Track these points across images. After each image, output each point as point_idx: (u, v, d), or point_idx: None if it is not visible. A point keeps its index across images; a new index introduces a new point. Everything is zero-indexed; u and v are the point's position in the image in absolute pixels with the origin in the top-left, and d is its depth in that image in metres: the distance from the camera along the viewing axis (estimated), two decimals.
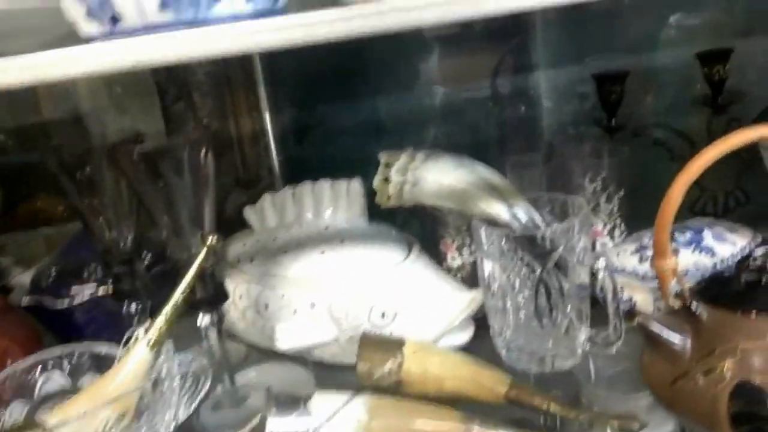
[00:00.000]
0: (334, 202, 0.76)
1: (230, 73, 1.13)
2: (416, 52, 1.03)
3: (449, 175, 0.67)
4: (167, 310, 0.58)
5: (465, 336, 0.72)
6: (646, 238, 0.70)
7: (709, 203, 0.84)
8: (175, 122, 1.13)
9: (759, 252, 0.63)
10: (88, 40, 0.45)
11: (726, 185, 0.82)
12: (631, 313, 0.51)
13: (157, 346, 0.57)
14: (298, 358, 0.75)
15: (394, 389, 0.63)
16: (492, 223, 0.66)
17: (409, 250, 0.75)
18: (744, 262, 0.53)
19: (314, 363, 0.74)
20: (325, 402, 0.56)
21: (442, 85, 1.07)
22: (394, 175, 0.68)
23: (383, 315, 0.69)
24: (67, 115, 1.02)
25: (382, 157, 0.71)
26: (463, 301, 0.71)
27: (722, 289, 0.53)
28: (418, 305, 0.70)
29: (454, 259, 0.78)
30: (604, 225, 0.76)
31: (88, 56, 0.44)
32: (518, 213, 0.65)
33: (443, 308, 0.70)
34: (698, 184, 0.84)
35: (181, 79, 1.10)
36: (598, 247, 0.77)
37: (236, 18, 0.45)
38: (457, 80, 1.06)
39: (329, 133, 1.09)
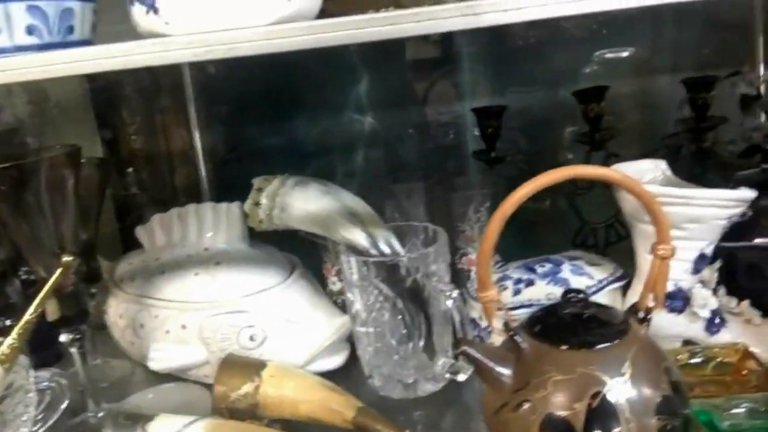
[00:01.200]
0: (215, 224, 0.77)
1: (161, 92, 1.15)
2: (345, 76, 1.05)
3: (314, 202, 0.68)
4: (18, 327, 0.58)
5: (338, 360, 0.73)
6: (511, 269, 0.72)
7: (590, 236, 0.87)
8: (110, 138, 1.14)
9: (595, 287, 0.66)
10: None
11: (606, 218, 0.85)
12: (457, 341, 0.53)
13: (8, 362, 0.58)
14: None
15: (251, 412, 0.64)
16: (353, 249, 0.67)
17: (290, 274, 0.77)
18: (568, 296, 0.55)
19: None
20: (164, 424, 0.57)
21: (369, 109, 1.09)
22: (264, 200, 0.69)
23: (252, 338, 0.70)
24: None
25: (255, 182, 0.72)
26: (333, 326, 0.72)
27: (546, 322, 0.55)
28: (288, 329, 0.71)
29: (334, 284, 0.79)
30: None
31: None
32: (378, 240, 0.67)
33: (313, 333, 0.71)
34: (579, 217, 0.87)
35: (112, 95, 1.12)
36: (473, 275, 0.79)
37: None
38: (384, 106, 1.09)
39: (258, 152, 1.10)
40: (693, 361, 0.65)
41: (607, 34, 1.03)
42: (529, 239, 0.88)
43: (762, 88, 0.83)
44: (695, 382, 0.64)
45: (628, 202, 0.62)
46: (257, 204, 0.68)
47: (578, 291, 0.53)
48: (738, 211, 0.61)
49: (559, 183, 0.51)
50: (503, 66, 1.03)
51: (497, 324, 0.54)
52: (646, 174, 0.66)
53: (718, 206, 0.59)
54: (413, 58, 1.06)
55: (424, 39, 1.05)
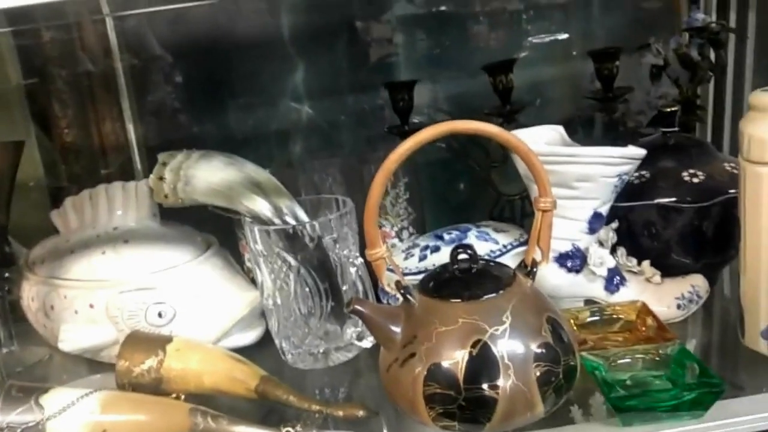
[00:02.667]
0: (125, 203, 0.76)
1: (93, 84, 1.13)
2: (281, 66, 1.05)
3: (218, 174, 0.68)
4: None
5: (253, 335, 0.73)
6: (421, 238, 0.73)
7: (506, 208, 0.88)
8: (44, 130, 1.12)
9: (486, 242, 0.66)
10: None
11: (521, 190, 0.86)
12: (349, 300, 0.53)
13: None
14: None
15: (155, 387, 0.64)
16: (257, 220, 0.67)
17: (204, 252, 0.76)
18: (456, 252, 0.55)
19: None
20: (59, 396, 0.56)
21: (307, 98, 1.09)
22: (168, 174, 0.69)
23: (160, 314, 0.70)
24: None
25: (160, 157, 0.72)
26: (244, 300, 0.72)
27: (438, 279, 0.55)
28: (199, 305, 0.71)
29: (249, 261, 0.79)
30: (392, 226, 0.79)
31: None
32: (281, 210, 0.67)
33: (224, 308, 0.71)
34: (495, 190, 0.88)
35: (45, 87, 1.10)
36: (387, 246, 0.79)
37: None
38: (320, 94, 1.09)
39: (194, 144, 1.09)
40: (594, 319, 0.66)
41: (534, 14, 1.06)
42: (452, 215, 0.89)
43: (670, 57, 0.86)
44: (597, 338, 0.66)
45: (521, 165, 0.63)
46: (161, 178, 0.68)
47: (466, 247, 0.54)
48: (628, 168, 0.62)
49: (474, 157, 0.51)
50: (429, 43, 1.05)
51: (388, 282, 0.55)
52: (544, 138, 0.67)
53: (604, 164, 0.60)
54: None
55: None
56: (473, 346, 0.49)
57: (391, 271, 0.54)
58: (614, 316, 0.66)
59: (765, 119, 0.53)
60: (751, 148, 0.54)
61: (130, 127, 1.10)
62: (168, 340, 0.65)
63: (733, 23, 0.96)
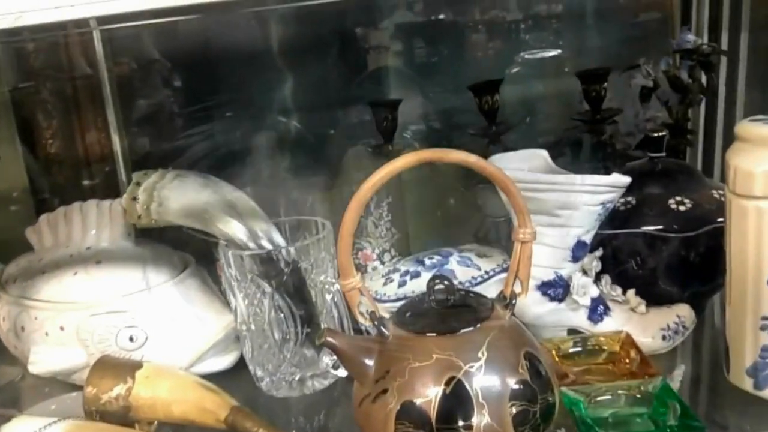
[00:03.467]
0: (99, 222, 0.74)
1: (78, 95, 1.12)
2: (269, 79, 1.03)
3: (192, 196, 0.66)
4: None
5: (228, 360, 0.71)
6: (402, 262, 0.71)
7: (492, 229, 0.86)
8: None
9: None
10: None
11: (507, 212, 0.84)
12: (321, 331, 0.51)
13: None
14: None
15: (123, 415, 0.62)
16: (232, 243, 0.66)
17: (180, 272, 0.74)
18: (432, 283, 0.54)
19: None
20: (22, 426, 0.54)
21: (294, 112, 1.08)
22: (141, 195, 0.67)
23: (132, 338, 0.68)
24: None
25: (134, 176, 0.70)
26: (219, 324, 0.70)
27: (413, 311, 0.54)
28: (172, 329, 0.69)
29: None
30: (373, 249, 0.77)
31: None
32: (257, 234, 0.65)
33: (199, 332, 0.69)
34: (480, 210, 0.86)
35: (30, 97, 1.08)
36: (369, 269, 0.78)
37: None
38: (308, 109, 1.08)
39: (178, 155, 1.08)
40: (576, 349, 0.65)
41: (526, 31, 1.05)
42: (436, 236, 0.87)
43: (660, 79, 0.85)
44: (580, 370, 0.64)
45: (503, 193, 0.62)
46: (135, 199, 0.66)
47: (443, 278, 0.53)
48: (612, 196, 0.61)
49: (459, 177, 0.49)
50: (419, 57, 1.03)
51: (362, 312, 0.53)
52: (528, 162, 0.65)
53: (587, 192, 0.59)
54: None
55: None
56: (447, 383, 0.47)
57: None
58: (597, 347, 0.64)
59: (751, 151, 0.51)
60: (737, 180, 0.52)
61: (116, 139, 1.08)
62: (137, 366, 0.63)
63: (725, 45, 0.95)
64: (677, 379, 0.62)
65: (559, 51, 1.03)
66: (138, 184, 0.67)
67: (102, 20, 0.89)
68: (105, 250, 0.73)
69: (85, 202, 0.77)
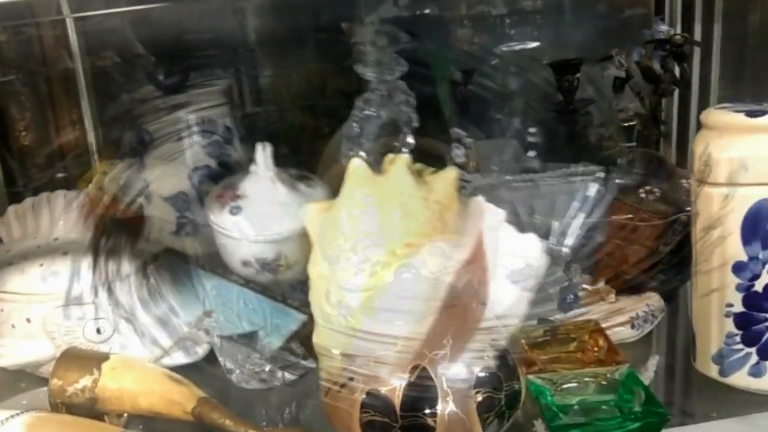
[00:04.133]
0: (66, 212, 0.74)
1: (52, 87, 1.10)
2: (246, 69, 1.03)
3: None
4: None
5: (198, 352, 0.70)
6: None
7: None
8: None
9: None
10: None
11: None
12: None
13: None
14: None
15: (89, 407, 0.61)
16: None
17: (150, 263, 0.74)
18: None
19: None
20: None
21: (271, 104, 1.07)
22: (108, 185, 0.66)
23: (99, 330, 0.67)
24: None
25: (100, 166, 0.69)
26: (187, 317, 0.69)
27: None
28: (139, 321, 0.69)
29: None
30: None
31: None
32: None
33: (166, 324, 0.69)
34: None
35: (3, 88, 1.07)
36: None
37: None
38: (287, 100, 1.07)
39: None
40: (546, 338, 0.65)
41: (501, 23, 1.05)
42: None
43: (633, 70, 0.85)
44: (549, 358, 0.64)
45: None
46: (101, 189, 0.65)
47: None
48: (583, 186, 0.61)
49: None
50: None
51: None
52: (499, 151, 0.65)
53: (559, 182, 0.59)
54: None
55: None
56: (411, 371, 0.47)
57: None
58: (567, 335, 0.64)
59: (716, 138, 0.52)
60: (702, 167, 0.52)
61: (90, 131, 1.07)
62: (104, 358, 0.62)
63: (698, 36, 0.95)
64: (651, 368, 0.62)
65: (538, 42, 1.03)
66: (104, 173, 0.66)
67: (75, 7, 0.88)
68: (73, 240, 0.72)
69: (52, 193, 0.76)
